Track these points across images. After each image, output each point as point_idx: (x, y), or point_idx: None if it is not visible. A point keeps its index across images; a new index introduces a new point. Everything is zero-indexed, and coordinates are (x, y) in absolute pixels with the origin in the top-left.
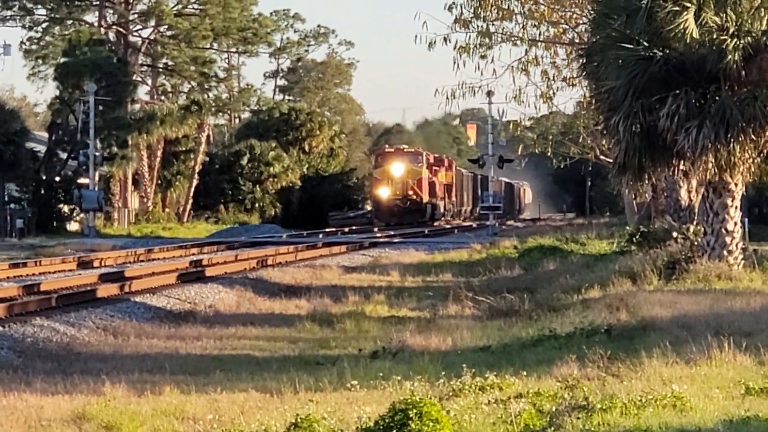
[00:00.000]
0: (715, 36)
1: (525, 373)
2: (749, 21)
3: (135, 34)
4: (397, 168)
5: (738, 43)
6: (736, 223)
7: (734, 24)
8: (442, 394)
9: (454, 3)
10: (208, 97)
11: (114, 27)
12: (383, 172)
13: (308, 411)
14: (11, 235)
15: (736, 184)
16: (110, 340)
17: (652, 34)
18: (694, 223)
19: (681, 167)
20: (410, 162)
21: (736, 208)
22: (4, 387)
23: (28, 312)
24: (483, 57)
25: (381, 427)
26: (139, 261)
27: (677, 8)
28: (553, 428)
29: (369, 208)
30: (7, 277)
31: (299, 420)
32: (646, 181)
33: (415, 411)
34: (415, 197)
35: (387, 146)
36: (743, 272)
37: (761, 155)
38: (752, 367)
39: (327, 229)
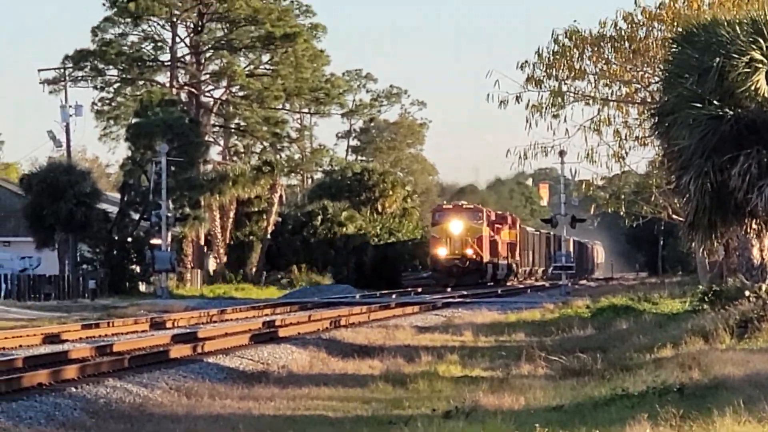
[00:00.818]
0: None
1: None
2: None
3: (207, 94)
4: (456, 226)
5: None
6: None
7: None
8: None
9: (526, 62)
10: (281, 157)
11: (186, 87)
12: (441, 230)
13: None
14: (84, 296)
15: None
16: (183, 400)
17: (724, 93)
18: (767, 281)
19: (753, 226)
20: (469, 219)
21: None
22: None
23: (101, 373)
24: (555, 116)
25: None
26: (212, 322)
27: (748, 69)
28: None
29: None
30: (80, 338)
31: None
32: (717, 240)
33: None
34: (474, 256)
35: (445, 203)
36: None
37: None
38: None
39: (400, 289)
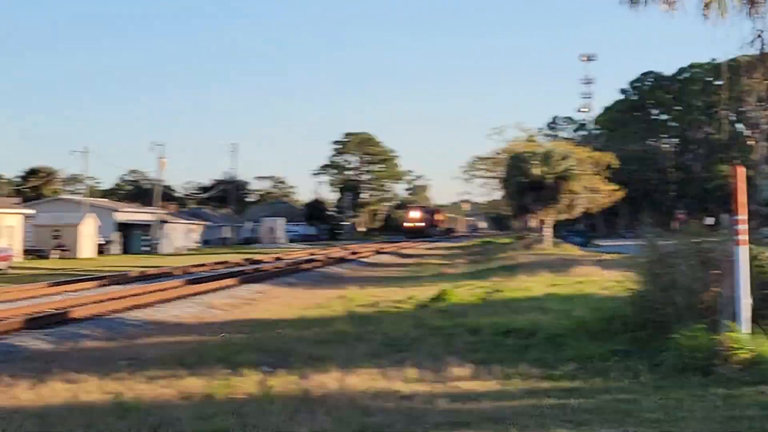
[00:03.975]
0: None
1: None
2: None
3: None
4: (414, 212)
5: None
6: None
7: None
8: (455, 286)
9: None
10: None
11: None
12: (407, 215)
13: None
14: None
15: None
16: None
17: (525, 173)
18: (542, 233)
19: (531, 215)
20: (422, 211)
21: None
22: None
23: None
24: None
25: (432, 298)
26: None
27: (532, 164)
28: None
29: None
30: None
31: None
32: (518, 218)
33: (445, 292)
34: (422, 224)
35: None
36: None
37: None
38: (555, 276)
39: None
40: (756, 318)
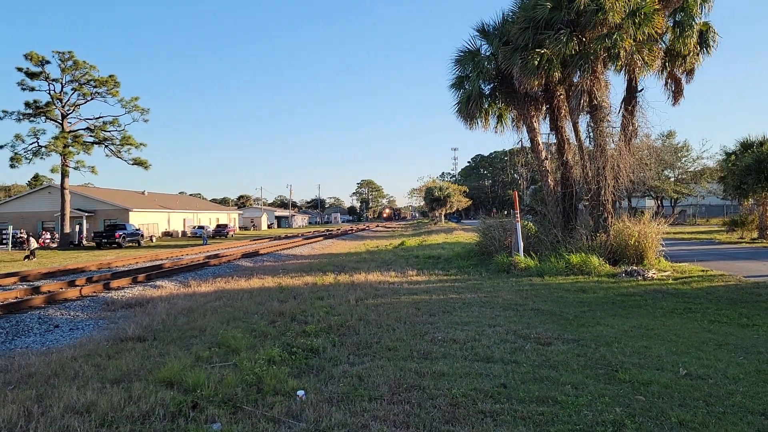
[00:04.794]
0: None
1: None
2: None
3: None
4: (388, 211)
5: None
6: None
7: None
8: (407, 239)
9: None
10: None
11: None
12: (386, 211)
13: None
14: None
15: None
16: None
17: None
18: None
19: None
20: (391, 210)
21: None
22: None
23: None
24: None
25: (398, 245)
26: None
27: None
28: (422, 242)
29: None
30: None
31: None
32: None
33: (404, 242)
34: (392, 216)
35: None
36: None
37: None
38: (446, 235)
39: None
40: (526, 251)
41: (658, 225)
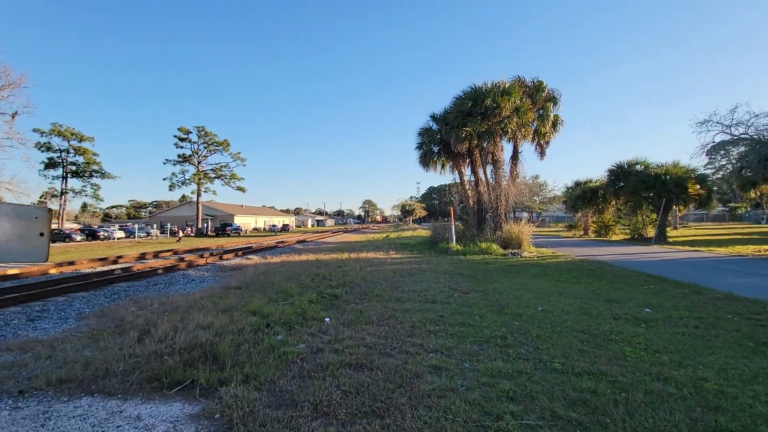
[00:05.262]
0: None
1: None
2: None
3: None
4: (380, 218)
5: None
6: None
7: None
8: (390, 234)
9: None
10: None
11: None
12: (376, 217)
13: None
14: None
15: None
16: None
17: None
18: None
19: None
20: (382, 217)
21: None
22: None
23: None
24: None
25: (384, 237)
26: None
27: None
28: (398, 236)
29: None
30: None
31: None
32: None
33: (388, 235)
34: (381, 221)
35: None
36: None
37: None
38: (412, 232)
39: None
40: (457, 240)
41: (529, 227)
